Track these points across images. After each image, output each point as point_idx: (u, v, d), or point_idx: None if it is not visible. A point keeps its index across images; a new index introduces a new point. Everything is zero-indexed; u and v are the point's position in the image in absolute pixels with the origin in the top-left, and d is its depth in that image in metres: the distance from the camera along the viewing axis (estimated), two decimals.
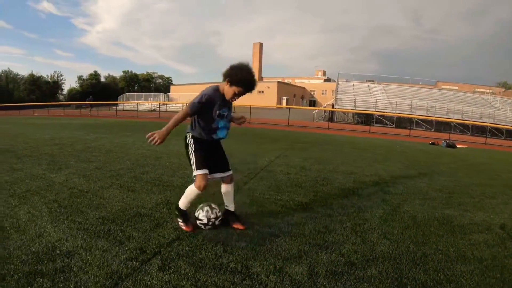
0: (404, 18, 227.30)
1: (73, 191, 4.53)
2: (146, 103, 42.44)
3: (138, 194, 4.51)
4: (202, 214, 3.17)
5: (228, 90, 2.85)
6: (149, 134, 2.76)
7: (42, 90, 69.90)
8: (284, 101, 62.58)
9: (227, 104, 2.98)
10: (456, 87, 59.71)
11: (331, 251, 2.87)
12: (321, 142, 12.80)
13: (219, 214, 3.23)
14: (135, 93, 58.97)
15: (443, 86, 58.60)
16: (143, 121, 22.37)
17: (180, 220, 3.19)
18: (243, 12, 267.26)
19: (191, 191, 3.02)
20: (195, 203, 3.29)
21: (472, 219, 4.02)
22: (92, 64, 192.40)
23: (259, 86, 64.07)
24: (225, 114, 2.99)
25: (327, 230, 3.33)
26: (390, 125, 32.84)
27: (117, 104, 44.48)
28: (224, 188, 3.26)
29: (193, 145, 3.01)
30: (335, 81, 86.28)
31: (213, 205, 3.26)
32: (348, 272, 2.53)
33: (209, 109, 2.87)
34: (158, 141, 2.74)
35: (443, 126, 31.67)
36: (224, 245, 2.89)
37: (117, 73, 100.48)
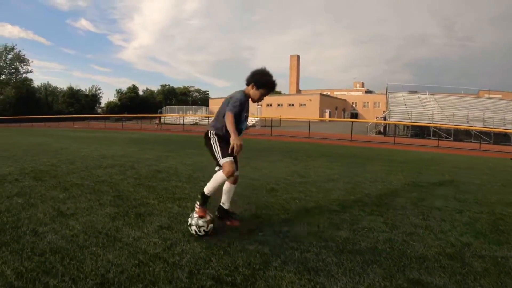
0: (437, 26, 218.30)
1: None
2: (187, 116, 40.57)
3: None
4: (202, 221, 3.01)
5: (255, 93, 3.20)
6: (235, 149, 2.87)
7: (81, 103, 70.35)
8: (327, 114, 59.71)
9: (248, 108, 3.28)
10: (500, 96, 55.34)
11: None
12: (416, 161, 10.05)
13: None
14: (175, 106, 57.76)
15: (486, 95, 54.25)
16: (196, 136, 20.07)
17: (198, 204, 3.11)
18: (275, 26, 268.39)
19: (219, 176, 3.08)
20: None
21: None
22: (129, 79, 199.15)
23: (301, 98, 61.96)
24: (247, 115, 3.28)
25: None
26: (447, 137, 29.67)
27: (157, 117, 43.08)
28: (227, 186, 3.36)
29: (216, 138, 3.15)
30: (376, 92, 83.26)
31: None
32: None
33: (240, 111, 3.11)
34: (240, 146, 2.88)
35: (500, 138, 28.52)
36: None
37: (153, 87, 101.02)
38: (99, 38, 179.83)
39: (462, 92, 51.12)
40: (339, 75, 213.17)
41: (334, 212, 3.92)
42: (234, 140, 2.84)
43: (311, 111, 56.40)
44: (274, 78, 3.19)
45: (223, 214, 3.41)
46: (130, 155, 8.53)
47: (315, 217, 3.71)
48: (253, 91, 3.18)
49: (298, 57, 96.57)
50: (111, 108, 72.61)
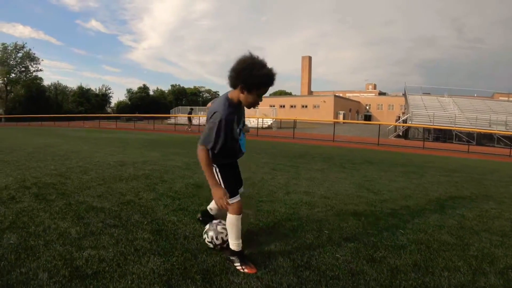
0: (446, 27, 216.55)
1: None
2: (203, 117, 39.29)
3: None
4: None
5: (247, 98, 2.23)
6: (221, 205, 2.18)
7: (91, 103, 69.44)
8: (341, 116, 58.15)
9: (243, 114, 2.46)
10: None
11: None
12: (464, 169, 8.62)
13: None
14: (189, 107, 56.35)
15: (501, 98, 53.12)
16: None
17: (238, 264, 2.33)
18: (283, 27, 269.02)
19: (233, 221, 2.35)
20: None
21: None
22: (138, 79, 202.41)
23: (315, 100, 60.79)
24: (243, 127, 2.50)
25: None
26: (469, 141, 28.80)
27: (169, 117, 41.94)
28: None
29: (219, 171, 2.38)
30: (390, 94, 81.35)
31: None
32: None
33: (230, 131, 2.25)
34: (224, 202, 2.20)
35: None
36: None
37: (163, 88, 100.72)
38: (109, 39, 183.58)
39: (475, 95, 49.95)
40: (348, 77, 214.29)
41: (455, 247, 3.01)
42: (215, 195, 2.19)
43: (325, 113, 55.25)
44: (270, 68, 2.18)
45: (208, 218, 2.84)
46: (153, 161, 7.15)
47: (442, 256, 2.78)
48: (244, 96, 2.24)
49: (309, 58, 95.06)
50: (122, 107, 71.81)
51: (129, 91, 79.84)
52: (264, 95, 2.33)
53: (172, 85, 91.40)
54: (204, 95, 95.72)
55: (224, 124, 2.17)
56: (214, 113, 2.19)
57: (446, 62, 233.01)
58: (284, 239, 2.87)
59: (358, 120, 62.72)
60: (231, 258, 2.39)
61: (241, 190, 2.65)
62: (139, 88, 79.97)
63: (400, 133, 32.84)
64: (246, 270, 2.29)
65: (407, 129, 32.50)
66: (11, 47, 55.24)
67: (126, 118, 44.55)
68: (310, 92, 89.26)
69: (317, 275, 2.28)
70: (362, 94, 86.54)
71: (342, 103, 62.89)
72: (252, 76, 2.13)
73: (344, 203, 4.29)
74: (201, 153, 2.21)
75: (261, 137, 19.93)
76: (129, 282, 2.03)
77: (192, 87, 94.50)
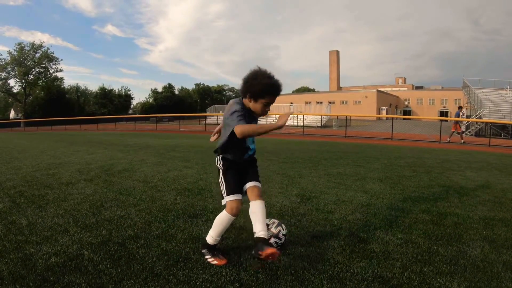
0: (462, 20, 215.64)
1: None
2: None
3: None
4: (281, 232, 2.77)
5: (254, 106, 2.48)
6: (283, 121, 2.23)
7: (114, 104, 69.45)
8: (384, 112, 56.88)
9: (254, 119, 2.60)
10: None
11: None
12: None
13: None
14: (225, 105, 54.75)
15: None
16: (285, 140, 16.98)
17: (209, 256, 2.60)
18: (298, 25, 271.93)
19: (222, 218, 2.57)
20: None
21: None
22: (155, 81, 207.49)
23: (356, 96, 59.92)
24: None
25: None
26: None
27: (205, 117, 40.59)
28: (251, 206, 2.54)
29: (222, 167, 2.64)
30: (429, 88, 77.74)
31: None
32: None
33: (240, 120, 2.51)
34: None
35: None
36: None
37: (187, 87, 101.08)
38: (126, 42, 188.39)
39: (508, 87, 47.72)
40: (363, 72, 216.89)
41: None
42: (278, 124, 2.20)
43: (367, 109, 54.55)
44: (274, 78, 2.42)
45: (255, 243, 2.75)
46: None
47: None
48: (252, 105, 2.46)
49: (337, 52, 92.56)
50: (146, 108, 72.14)
51: (154, 91, 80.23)
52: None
53: (196, 84, 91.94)
54: (228, 94, 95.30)
55: (243, 114, 2.36)
56: (235, 110, 2.38)
57: (463, 54, 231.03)
58: None
59: (397, 115, 60.72)
60: (203, 251, 2.61)
61: (246, 185, 2.63)
62: (164, 87, 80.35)
63: (469, 130, 31.06)
64: (215, 262, 2.50)
65: (472, 126, 30.76)
66: (28, 47, 54.65)
67: (168, 118, 43.43)
68: (339, 88, 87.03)
69: None
70: (393, 89, 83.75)
71: (383, 98, 61.76)
72: (256, 85, 2.36)
73: None
74: (242, 128, 2.26)
75: (318, 137, 18.44)
76: None
77: (215, 85, 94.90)
